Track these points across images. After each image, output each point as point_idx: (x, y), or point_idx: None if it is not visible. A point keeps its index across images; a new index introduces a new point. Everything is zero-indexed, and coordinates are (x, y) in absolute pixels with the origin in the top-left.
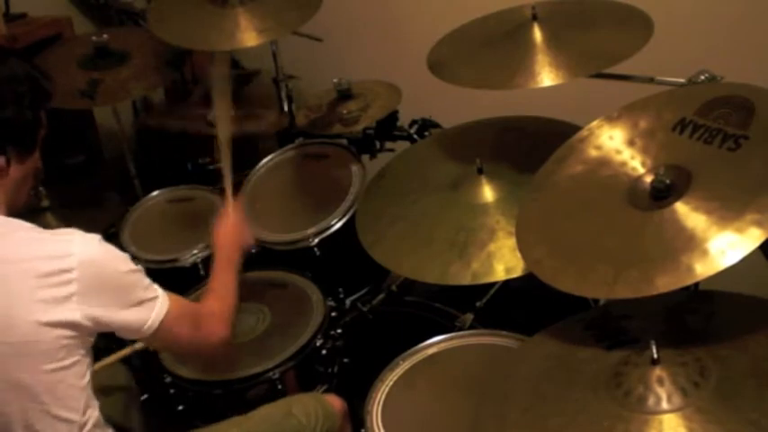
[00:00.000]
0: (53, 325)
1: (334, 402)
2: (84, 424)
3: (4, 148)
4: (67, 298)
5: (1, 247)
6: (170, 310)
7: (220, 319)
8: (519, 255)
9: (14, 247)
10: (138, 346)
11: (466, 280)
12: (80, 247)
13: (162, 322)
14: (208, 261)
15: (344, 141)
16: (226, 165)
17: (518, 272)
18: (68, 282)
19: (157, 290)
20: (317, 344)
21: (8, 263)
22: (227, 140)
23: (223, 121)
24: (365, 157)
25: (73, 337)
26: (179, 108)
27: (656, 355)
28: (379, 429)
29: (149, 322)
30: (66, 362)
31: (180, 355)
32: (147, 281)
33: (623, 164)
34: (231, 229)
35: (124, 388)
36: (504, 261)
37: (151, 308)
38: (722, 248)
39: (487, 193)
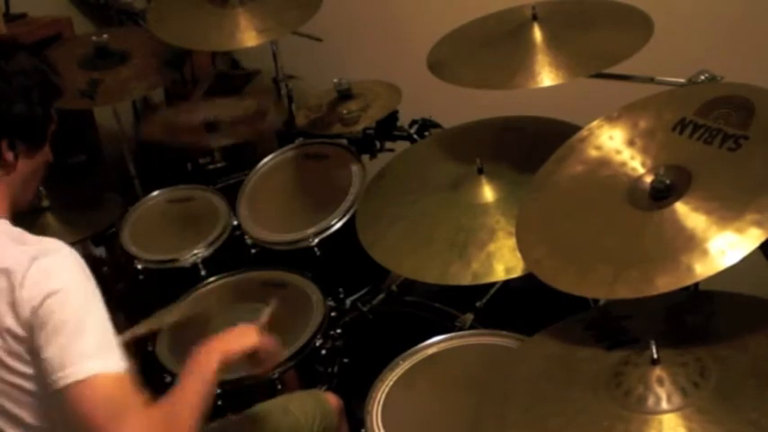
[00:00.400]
0: (5, 333)
1: (331, 400)
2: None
3: (12, 143)
4: (12, 306)
5: None
6: (97, 381)
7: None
8: (519, 255)
9: None
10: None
11: (466, 280)
12: (42, 261)
13: (77, 384)
14: (208, 261)
15: (344, 141)
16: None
17: (518, 272)
18: (12, 291)
19: (101, 354)
20: (317, 344)
21: None
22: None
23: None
24: (365, 157)
25: (25, 351)
26: (177, 117)
27: (656, 355)
28: (379, 429)
29: (61, 373)
30: (27, 371)
31: None
32: (102, 333)
33: (623, 164)
34: (239, 331)
35: None
36: (504, 261)
37: (74, 360)
38: (722, 248)
39: (487, 193)
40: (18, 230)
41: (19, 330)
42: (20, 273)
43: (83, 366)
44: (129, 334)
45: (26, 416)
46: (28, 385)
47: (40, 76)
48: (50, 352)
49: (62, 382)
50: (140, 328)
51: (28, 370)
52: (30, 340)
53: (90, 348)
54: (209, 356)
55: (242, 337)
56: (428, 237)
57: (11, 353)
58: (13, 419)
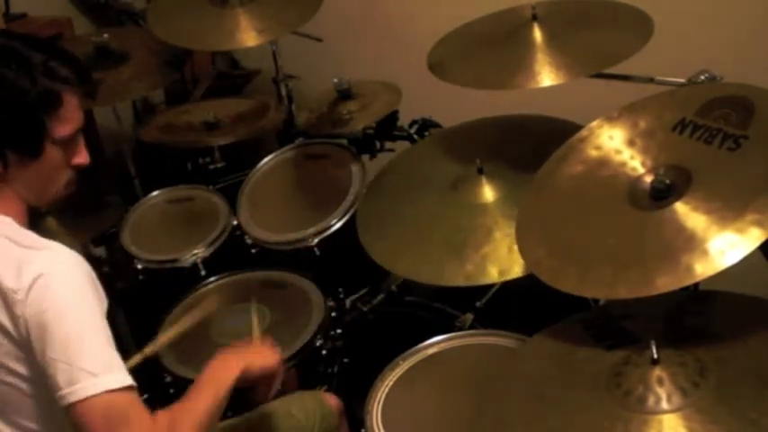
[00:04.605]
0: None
1: (332, 401)
2: None
3: (1, 152)
4: (13, 315)
5: None
6: (97, 400)
7: None
8: (514, 257)
9: None
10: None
11: (459, 281)
12: (42, 268)
13: (78, 403)
14: (208, 261)
15: (344, 141)
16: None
17: (512, 275)
18: (14, 302)
19: (105, 370)
20: (318, 344)
21: None
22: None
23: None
24: (365, 157)
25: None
26: (177, 117)
27: (656, 355)
28: (379, 429)
29: (64, 391)
30: (22, 373)
31: None
32: (103, 350)
33: (623, 164)
34: (262, 350)
35: None
36: (498, 263)
37: (76, 379)
38: (722, 248)
39: (487, 193)
40: (23, 231)
41: (14, 334)
42: (19, 283)
43: (87, 384)
44: (138, 357)
45: (13, 414)
46: (20, 385)
47: (29, 85)
48: (54, 368)
49: (67, 400)
50: (149, 348)
51: (24, 371)
52: (28, 348)
53: (94, 366)
54: (228, 369)
55: (265, 357)
56: (427, 237)
57: (7, 353)
58: (13, 423)
